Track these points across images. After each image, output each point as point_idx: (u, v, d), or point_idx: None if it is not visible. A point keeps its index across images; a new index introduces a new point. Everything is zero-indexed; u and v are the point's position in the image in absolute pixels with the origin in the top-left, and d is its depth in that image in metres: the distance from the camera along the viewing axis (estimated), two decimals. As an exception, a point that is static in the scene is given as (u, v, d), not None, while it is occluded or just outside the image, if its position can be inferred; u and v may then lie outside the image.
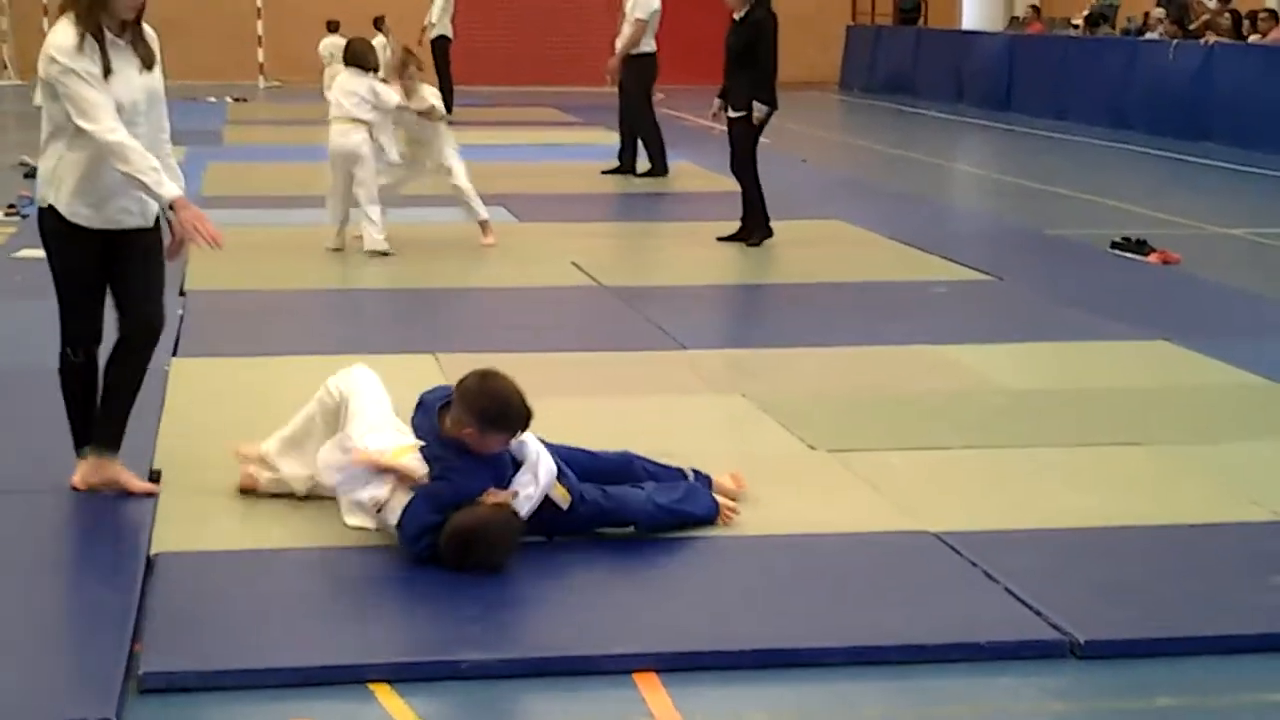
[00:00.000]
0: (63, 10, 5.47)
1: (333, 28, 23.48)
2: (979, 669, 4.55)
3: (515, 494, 5.17)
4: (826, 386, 7.62)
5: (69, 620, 4.73)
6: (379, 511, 5.25)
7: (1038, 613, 4.80)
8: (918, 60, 28.18)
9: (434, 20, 22.81)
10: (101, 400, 5.71)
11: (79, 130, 5.35)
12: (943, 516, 5.67)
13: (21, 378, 7.18)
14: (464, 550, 5.04)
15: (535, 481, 5.22)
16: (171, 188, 5.40)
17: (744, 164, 11.72)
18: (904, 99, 27.16)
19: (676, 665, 4.47)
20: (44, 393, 5.97)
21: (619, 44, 15.87)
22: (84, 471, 5.69)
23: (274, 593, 4.94)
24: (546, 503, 5.27)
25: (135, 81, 5.47)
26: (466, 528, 5.05)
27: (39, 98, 5.65)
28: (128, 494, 5.63)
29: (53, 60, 5.36)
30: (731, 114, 11.66)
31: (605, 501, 5.40)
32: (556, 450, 5.46)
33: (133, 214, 5.55)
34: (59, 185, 5.48)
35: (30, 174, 15.16)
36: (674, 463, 5.76)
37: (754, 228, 11.70)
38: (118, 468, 5.70)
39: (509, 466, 5.25)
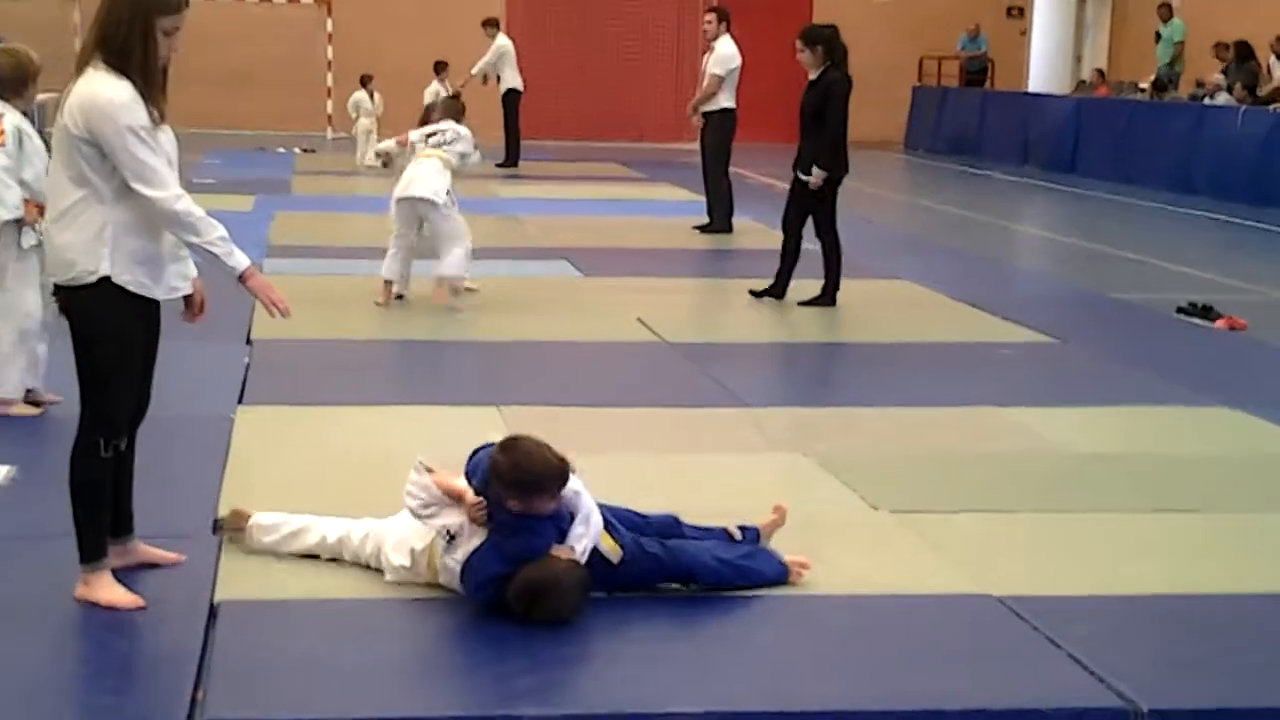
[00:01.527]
0: (99, 59, 5.00)
1: (364, 81, 23.67)
2: (1042, 735, 4.51)
3: (573, 549, 5.18)
4: (890, 447, 7.60)
5: (133, 670, 4.75)
6: (449, 541, 5.23)
7: (1101, 680, 4.75)
8: (983, 122, 28.14)
9: (474, 72, 23.00)
10: (84, 508, 5.18)
11: (124, 193, 4.99)
12: (1005, 580, 5.64)
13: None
14: (535, 601, 5.05)
15: (587, 532, 5.23)
16: (242, 257, 5.13)
17: (824, 228, 11.67)
18: (969, 160, 27.12)
19: (737, 724, 4.46)
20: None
21: (696, 97, 15.95)
22: (83, 588, 5.18)
23: (335, 643, 4.95)
24: (598, 557, 5.27)
25: (166, 139, 5.13)
26: (539, 580, 5.06)
27: (56, 154, 5.13)
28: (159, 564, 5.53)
29: (106, 117, 4.93)
30: (802, 176, 11.65)
31: (664, 554, 5.40)
32: (608, 509, 5.47)
33: (184, 282, 5.27)
34: (107, 254, 5.00)
35: None
36: (720, 524, 5.74)
37: (826, 289, 11.67)
38: (143, 546, 5.51)
39: (567, 521, 5.27)
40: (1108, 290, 12.99)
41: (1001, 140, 27.10)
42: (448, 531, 5.26)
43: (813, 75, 11.54)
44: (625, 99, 31.11)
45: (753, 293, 11.85)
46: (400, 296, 11.24)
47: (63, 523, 5.39)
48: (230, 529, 5.76)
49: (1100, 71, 28.73)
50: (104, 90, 4.95)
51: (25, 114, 7.69)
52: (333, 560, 5.61)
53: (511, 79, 23.17)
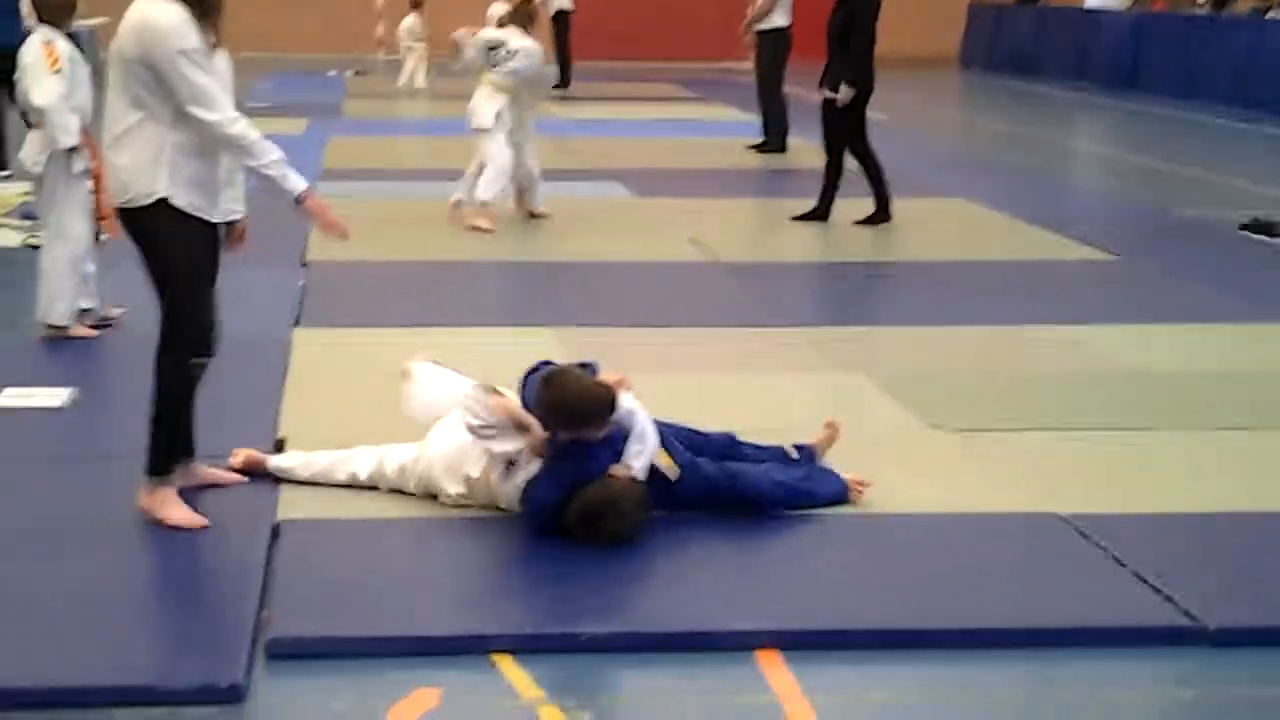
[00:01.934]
0: None
1: (415, 5, 23.51)
2: (1106, 654, 4.48)
3: (630, 466, 5.16)
4: (949, 365, 7.54)
5: (197, 587, 4.78)
6: (508, 467, 5.22)
7: (1168, 598, 4.71)
8: (1040, 38, 27.79)
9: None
10: (163, 423, 5.25)
11: (181, 116, 4.97)
12: (1068, 498, 5.59)
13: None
14: (595, 523, 5.05)
15: (643, 449, 5.22)
16: (298, 179, 5.12)
17: (852, 145, 11.57)
18: (1026, 77, 26.81)
19: (799, 643, 4.45)
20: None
21: (749, 16, 15.80)
22: (147, 499, 5.23)
23: (397, 561, 4.96)
24: (657, 475, 5.25)
25: (221, 63, 5.23)
26: (598, 501, 5.06)
27: (113, 78, 5.05)
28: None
29: (158, 41, 4.91)
30: (829, 94, 11.54)
31: (721, 476, 5.38)
32: (665, 426, 5.45)
33: (239, 206, 5.36)
34: (165, 176, 5.00)
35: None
36: (776, 442, 5.73)
37: (879, 206, 11.58)
38: (205, 468, 5.51)
39: (621, 442, 5.24)
40: (1168, 207, 12.85)
41: (1059, 57, 26.76)
42: (507, 459, 5.23)
43: None
44: (677, 17, 30.86)
45: (795, 218, 11.75)
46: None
47: (126, 442, 5.43)
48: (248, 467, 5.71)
49: (1160, -15, 28.32)
50: (156, 14, 4.95)
51: (71, 37, 7.68)
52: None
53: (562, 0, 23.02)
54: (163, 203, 5.02)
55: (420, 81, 22.60)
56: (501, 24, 11.67)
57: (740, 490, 5.38)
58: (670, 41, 30.67)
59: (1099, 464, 6.09)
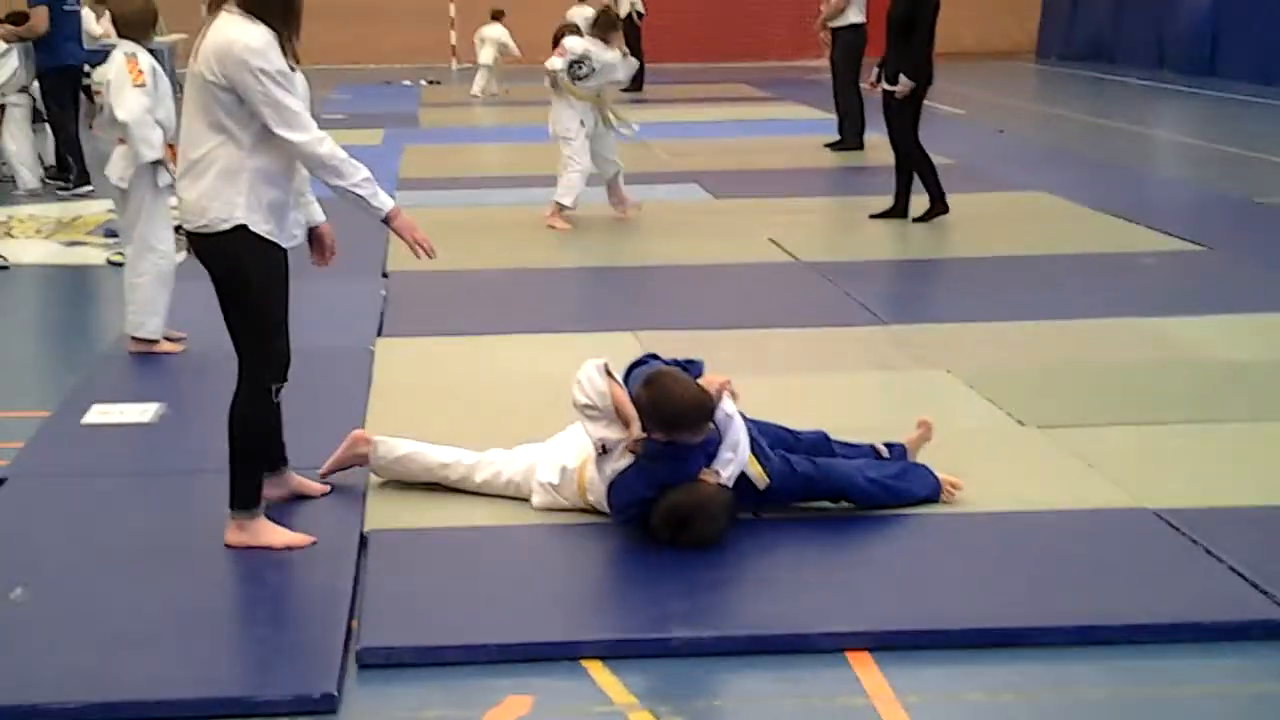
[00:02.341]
0: (233, 2, 4.95)
1: (495, 16, 23.58)
2: (1204, 650, 4.42)
3: (718, 473, 5.15)
4: (1034, 360, 7.48)
5: (288, 599, 4.80)
6: (602, 453, 5.18)
7: (1264, 592, 4.65)
8: (1117, 26, 27.53)
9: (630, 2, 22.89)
10: (250, 456, 5.17)
11: (261, 140, 4.92)
12: (1159, 493, 5.53)
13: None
14: (681, 526, 5.05)
15: (735, 458, 5.20)
16: (386, 198, 5.08)
17: (905, 138, 11.51)
18: (1103, 66, 26.58)
19: (891, 644, 4.42)
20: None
21: (823, 14, 15.75)
22: (242, 534, 5.14)
23: (485, 569, 4.97)
24: (745, 482, 5.23)
25: (300, 81, 5.07)
26: (685, 505, 5.05)
27: (191, 101, 5.00)
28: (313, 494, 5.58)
29: (244, 63, 4.83)
30: (887, 87, 11.49)
31: (815, 473, 5.36)
32: (759, 425, 5.43)
33: (301, 230, 5.24)
34: (244, 201, 4.93)
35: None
36: (866, 441, 5.70)
37: (933, 200, 11.50)
38: (296, 477, 5.53)
39: (716, 445, 5.23)
40: (1253, 194, 12.69)
41: (1137, 44, 26.50)
42: (603, 444, 5.21)
43: None
44: (749, 17, 30.81)
45: (873, 216, 11.70)
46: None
47: (212, 459, 5.46)
48: (349, 456, 5.76)
49: (1238, -30, 27.97)
50: (240, 36, 4.86)
51: (153, 53, 7.76)
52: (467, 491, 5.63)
53: (636, 2, 23.02)
54: (241, 228, 4.95)
55: (494, 88, 22.71)
56: (559, 36, 11.70)
57: (834, 484, 5.37)
58: (743, 42, 30.64)
59: (1189, 458, 6.01)
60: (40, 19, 13.16)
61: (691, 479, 5.11)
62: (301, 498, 5.51)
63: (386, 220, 5.08)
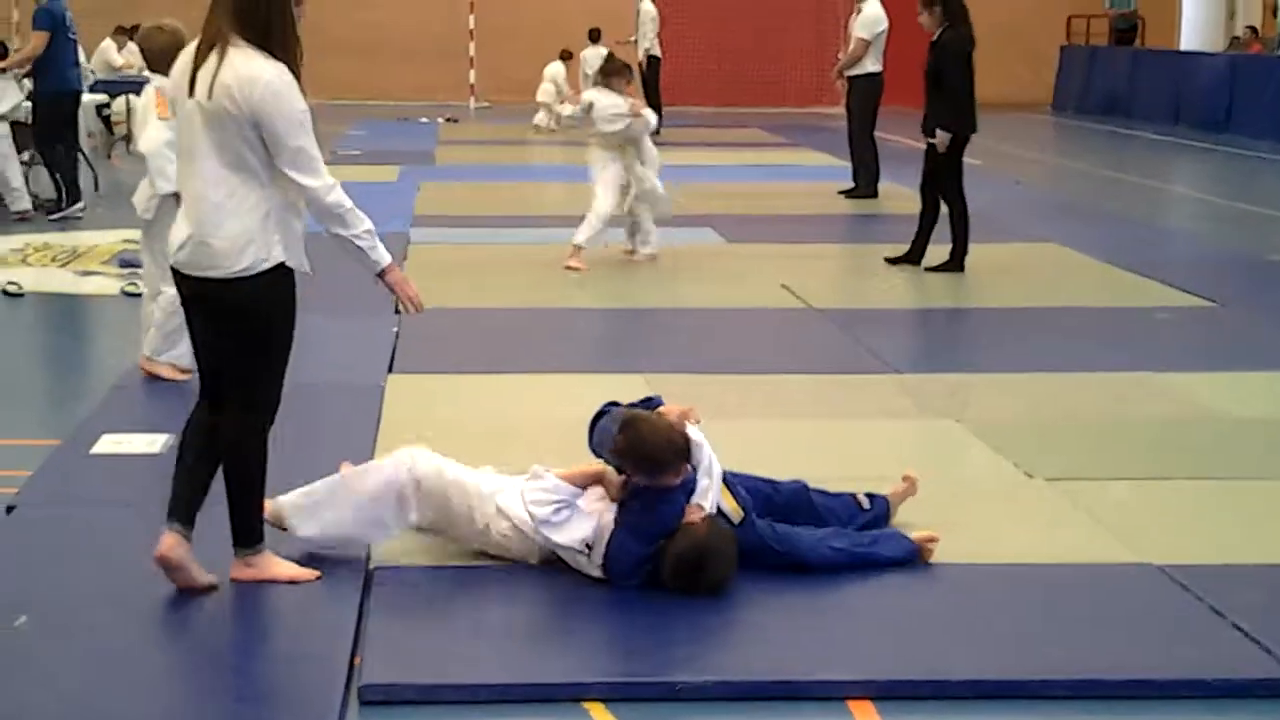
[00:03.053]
0: (237, 36, 4.77)
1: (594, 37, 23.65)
2: (1207, 707, 4.41)
3: (700, 506, 5.13)
4: (1043, 413, 7.48)
5: (291, 634, 4.80)
6: (587, 553, 5.13)
7: (1269, 651, 4.64)
8: (1134, 81, 27.60)
9: (637, 39, 23.01)
10: (254, 490, 5.07)
11: (277, 177, 4.80)
12: (1165, 548, 5.52)
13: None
14: (694, 576, 5.02)
15: (711, 483, 5.17)
16: (384, 252, 5.00)
17: (949, 189, 11.53)
18: (1119, 121, 26.63)
19: (892, 693, 4.42)
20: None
21: (840, 61, 15.80)
22: (248, 569, 5.08)
23: (490, 608, 4.97)
24: (721, 518, 5.20)
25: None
26: (690, 553, 5.02)
27: (206, 138, 4.81)
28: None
29: (272, 99, 4.71)
30: (928, 140, 11.51)
31: (774, 539, 5.26)
32: (735, 475, 5.41)
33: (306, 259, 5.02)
34: (279, 239, 4.83)
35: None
36: (852, 489, 5.64)
37: (954, 254, 11.50)
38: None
39: (693, 476, 5.21)
40: (1265, 252, 12.70)
41: (1153, 100, 26.56)
42: (585, 544, 5.14)
43: (934, 37, 11.42)
44: (766, 63, 30.91)
45: (888, 260, 11.72)
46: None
47: (219, 493, 5.45)
48: None
49: (1254, 29, 28.06)
50: (266, 70, 4.73)
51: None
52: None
53: (653, 45, 23.13)
54: (280, 267, 4.84)
55: (552, 124, 22.96)
56: (595, 82, 11.83)
57: (796, 556, 5.25)
58: (759, 87, 30.72)
59: (1197, 514, 6.01)
60: (39, 42, 13.32)
61: (679, 519, 5.08)
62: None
63: (381, 274, 5.02)
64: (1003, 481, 6.38)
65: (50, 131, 13.87)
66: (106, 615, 4.84)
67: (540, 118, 23.48)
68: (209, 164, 4.79)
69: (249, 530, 5.05)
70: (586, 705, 4.35)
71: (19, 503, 5.91)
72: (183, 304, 5.05)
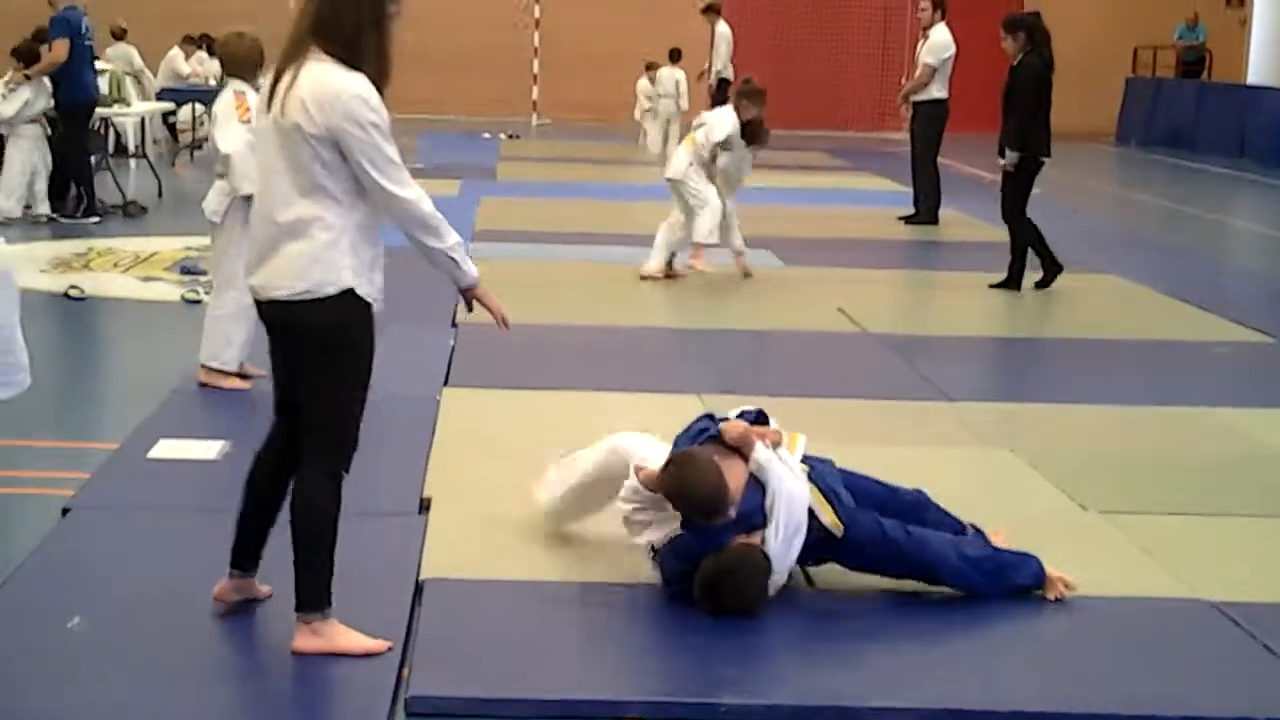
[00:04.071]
0: (319, 49, 4.53)
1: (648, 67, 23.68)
2: (1257, 746, 4.38)
3: (763, 540, 5.11)
4: (1099, 445, 7.44)
5: (341, 642, 4.81)
6: (653, 555, 5.23)
7: (1321, 691, 4.60)
8: (1199, 114, 27.42)
9: (718, 66, 23.05)
10: (325, 549, 4.68)
11: (358, 195, 4.55)
12: (1220, 585, 5.48)
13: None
14: (714, 594, 5.03)
15: (777, 533, 5.10)
16: (473, 267, 4.77)
17: (1010, 211, 11.59)
18: (1183, 153, 26.45)
19: (940, 723, 4.40)
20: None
21: (906, 86, 15.80)
22: (315, 639, 4.67)
23: (538, 623, 4.98)
24: (821, 532, 5.15)
25: None
26: (714, 572, 5.03)
27: (280, 154, 4.58)
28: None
29: (353, 113, 4.46)
30: (1001, 161, 11.56)
31: (905, 541, 5.19)
32: (846, 475, 5.38)
33: (382, 294, 4.73)
34: (350, 262, 4.56)
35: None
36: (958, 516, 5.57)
37: (1018, 274, 11.67)
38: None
39: (756, 497, 5.16)
40: (1328, 289, 12.59)
41: (1218, 133, 26.37)
42: (651, 547, 5.23)
43: (1014, 62, 11.51)
44: (830, 87, 30.89)
45: (992, 286, 11.81)
46: (669, 275, 11.68)
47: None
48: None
49: (1323, 63, 27.85)
50: (348, 84, 4.48)
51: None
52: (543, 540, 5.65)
53: (726, 68, 23.16)
54: (349, 293, 4.56)
55: (671, 148, 22.83)
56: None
57: (925, 559, 5.18)
58: (823, 110, 30.71)
59: (1252, 551, 5.97)
60: (60, 50, 13.48)
61: (720, 546, 5.06)
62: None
63: (468, 288, 4.82)
64: (1056, 513, 6.35)
65: (74, 137, 14.01)
66: (158, 619, 4.87)
67: (655, 143, 23.39)
68: (280, 183, 4.58)
69: (315, 594, 4.65)
70: (630, 724, 4.36)
71: (75, 505, 5.96)
72: (267, 332, 4.80)
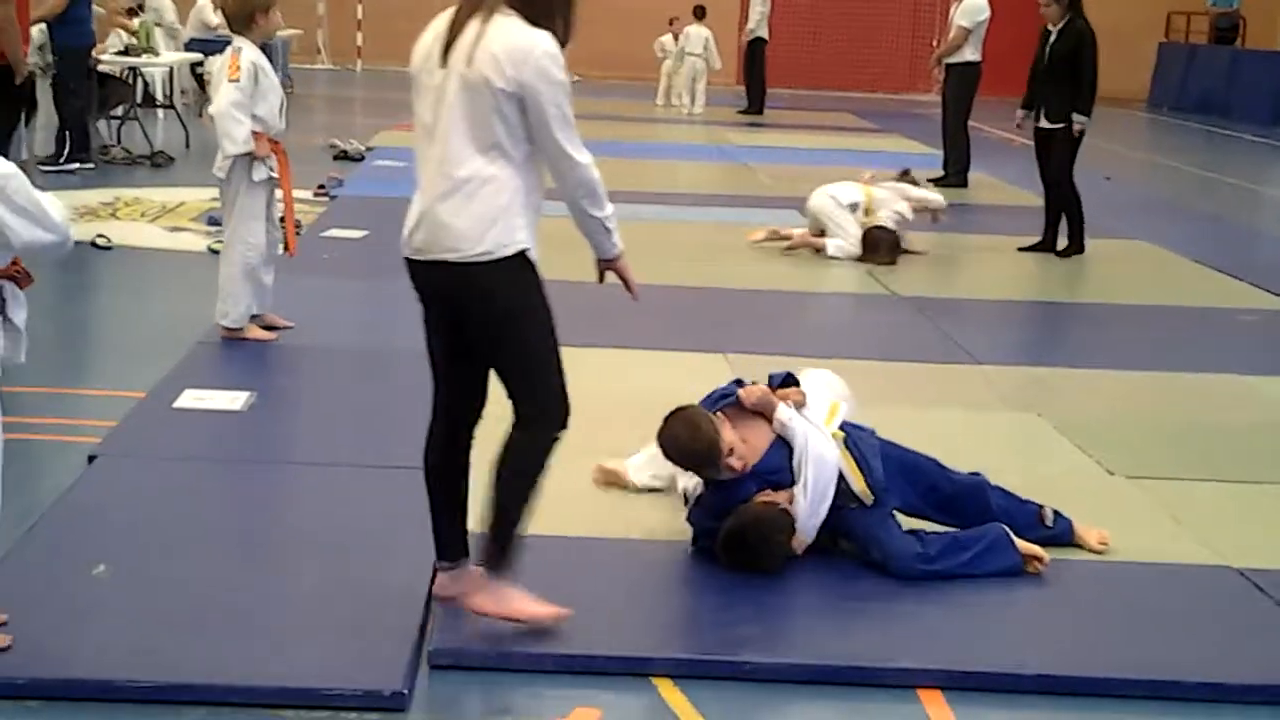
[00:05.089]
0: (504, 4, 4.35)
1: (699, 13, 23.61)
2: (1277, 712, 4.35)
3: (790, 499, 5.12)
4: (1126, 410, 7.41)
5: (365, 595, 4.79)
6: (685, 502, 5.29)
7: (1347, 659, 4.58)
8: (1233, 80, 27.27)
9: (752, 26, 23.00)
10: (521, 511, 4.58)
11: (529, 156, 4.37)
12: (1245, 552, 5.45)
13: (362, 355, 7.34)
14: (732, 552, 5.05)
15: (805, 492, 5.10)
16: (620, 239, 4.64)
17: (1065, 177, 11.54)
18: (1216, 120, 26.32)
19: (963, 684, 4.39)
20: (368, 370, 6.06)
21: (939, 49, 15.73)
22: (493, 603, 4.60)
23: (563, 579, 4.96)
24: (854, 501, 5.14)
25: None
26: (732, 531, 5.05)
27: (456, 110, 4.33)
28: None
29: (545, 71, 4.27)
30: (1047, 125, 11.49)
31: (877, 533, 5.15)
32: (899, 450, 5.38)
33: None
34: (524, 224, 4.39)
35: (339, 156, 15.66)
36: (1037, 501, 5.48)
37: (1074, 238, 11.69)
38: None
39: (781, 456, 5.18)
40: (1360, 257, 12.50)
41: (1251, 100, 26.22)
42: (685, 494, 5.28)
43: (1056, 25, 11.50)
44: (861, 48, 30.78)
45: (1022, 249, 11.83)
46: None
47: (299, 450, 5.48)
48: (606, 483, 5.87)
49: (1358, 31, 27.64)
50: (541, 42, 4.29)
51: (264, 48, 7.82)
52: (568, 496, 5.63)
53: (760, 28, 23.10)
54: (522, 255, 4.38)
55: (698, 106, 22.71)
56: None
57: (881, 554, 5.11)
58: (853, 72, 30.61)
59: (1276, 518, 5.93)
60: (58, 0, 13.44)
61: (742, 504, 5.08)
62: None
63: (613, 259, 4.69)
64: (1083, 478, 6.32)
65: (72, 83, 13.96)
66: (181, 567, 4.88)
67: (674, 98, 23.31)
68: (455, 138, 4.33)
69: (506, 557, 4.55)
70: (655, 681, 4.35)
71: (101, 452, 5.98)
72: (422, 302, 4.56)
